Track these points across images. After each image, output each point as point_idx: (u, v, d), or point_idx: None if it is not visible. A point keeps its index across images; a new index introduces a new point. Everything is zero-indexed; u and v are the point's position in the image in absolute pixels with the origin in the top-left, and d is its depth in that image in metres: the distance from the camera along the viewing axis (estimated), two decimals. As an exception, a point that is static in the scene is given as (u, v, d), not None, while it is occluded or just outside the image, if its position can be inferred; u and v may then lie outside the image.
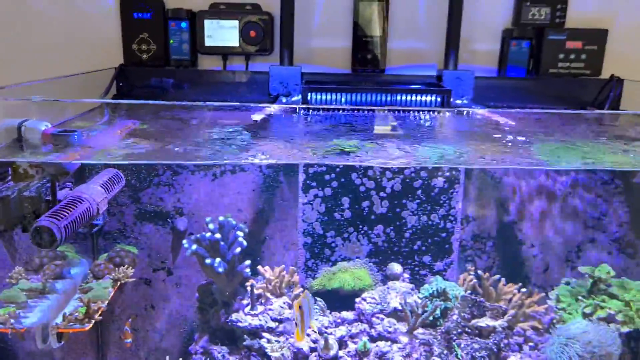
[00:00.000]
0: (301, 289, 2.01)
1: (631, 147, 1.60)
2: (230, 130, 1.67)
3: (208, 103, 1.93)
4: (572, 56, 2.09)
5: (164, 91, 2.08)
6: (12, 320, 1.65)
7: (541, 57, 2.09)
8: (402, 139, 1.62)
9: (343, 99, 1.89)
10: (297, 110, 1.90)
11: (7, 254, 2.01)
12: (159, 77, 2.08)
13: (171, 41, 2.06)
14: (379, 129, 1.73)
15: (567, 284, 2.01)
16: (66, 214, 1.43)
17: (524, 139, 1.66)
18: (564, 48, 2.08)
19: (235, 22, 2.05)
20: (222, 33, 2.06)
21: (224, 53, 2.10)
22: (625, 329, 1.77)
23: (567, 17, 2.09)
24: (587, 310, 1.85)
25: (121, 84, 2.04)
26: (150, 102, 2.02)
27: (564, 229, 2.16)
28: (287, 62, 2.01)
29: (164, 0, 2.04)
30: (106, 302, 1.81)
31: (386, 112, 1.84)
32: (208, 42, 2.06)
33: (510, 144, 1.62)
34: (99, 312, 1.76)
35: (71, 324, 1.70)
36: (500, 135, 1.72)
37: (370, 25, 2.08)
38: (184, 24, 2.04)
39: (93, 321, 1.72)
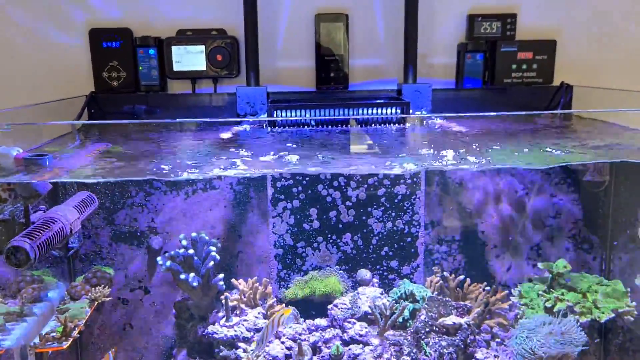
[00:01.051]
0: (275, 302, 2.06)
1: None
2: (202, 147, 1.74)
3: (177, 120, 2.01)
4: (524, 66, 2.17)
5: (136, 116, 2.13)
6: (-10, 343, 1.67)
7: (495, 68, 2.17)
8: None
9: (308, 115, 1.95)
10: (265, 126, 1.98)
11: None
12: (130, 102, 2.13)
13: (140, 68, 2.11)
14: (354, 148, 1.80)
15: (529, 280, 2.09)
16: (39, 234, 1.49)
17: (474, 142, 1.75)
18: (516, 59, 2.16)
19: (202, 47, 2.11)
20: (190, 58, 2.12)
21: (193, 77, 2.15)
22: (583, 319, 1.85)
23: (517, 29, 2.18)
24: (548, 304, 1.93)
25: (92, 111, 2.09)
26: (113, 122, 2.08)
27: (524, 228, 2.26)
28: (254, 83, 2.06)
29: (132, 28, 2.12)
30: (83, 320, 1.85)
31: (354, 126, 1.92)
32: (176, 67, 2.12)
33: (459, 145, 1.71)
34: (77, 331, 1.80)
35: (49, 343, 1.73)
36: (453, 140, 1.82)
37: (332, 45, 2.16)
38: (152, 51, 2.10)
39: (71, 339, 1.76)
